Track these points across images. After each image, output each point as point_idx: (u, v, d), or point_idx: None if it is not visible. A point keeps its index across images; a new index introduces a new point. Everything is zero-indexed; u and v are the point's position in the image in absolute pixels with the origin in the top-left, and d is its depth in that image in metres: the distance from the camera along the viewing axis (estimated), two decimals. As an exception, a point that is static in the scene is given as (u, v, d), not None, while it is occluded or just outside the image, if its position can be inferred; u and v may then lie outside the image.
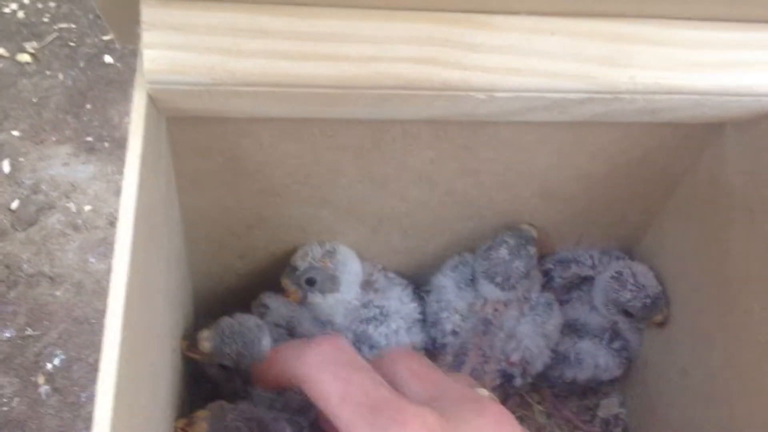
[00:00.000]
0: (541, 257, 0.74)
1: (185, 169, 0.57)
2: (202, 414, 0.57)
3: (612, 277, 0.69)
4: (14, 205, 0.98)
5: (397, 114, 0.50)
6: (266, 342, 0.63)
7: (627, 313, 0.70)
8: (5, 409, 0.80)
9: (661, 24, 0.49)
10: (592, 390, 0.77)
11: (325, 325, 0.69)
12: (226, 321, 0.62)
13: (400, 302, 0.71)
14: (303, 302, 0.68)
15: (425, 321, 0.72)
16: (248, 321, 0.64)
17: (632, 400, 0.76)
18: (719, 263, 0.61)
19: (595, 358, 0.71)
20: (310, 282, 0.67)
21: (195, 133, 0.54)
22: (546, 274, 0.74)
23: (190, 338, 0.62)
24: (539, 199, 0.66)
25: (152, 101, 0.46)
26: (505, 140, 0.58)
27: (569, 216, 0.69)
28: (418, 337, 0.70)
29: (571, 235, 0.72)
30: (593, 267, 0.74)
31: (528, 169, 0.62)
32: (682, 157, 0.62)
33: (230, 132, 0.54)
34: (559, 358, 0.71)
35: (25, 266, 0.92)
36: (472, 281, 0.70)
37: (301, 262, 0.67)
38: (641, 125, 0.57)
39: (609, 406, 0.77)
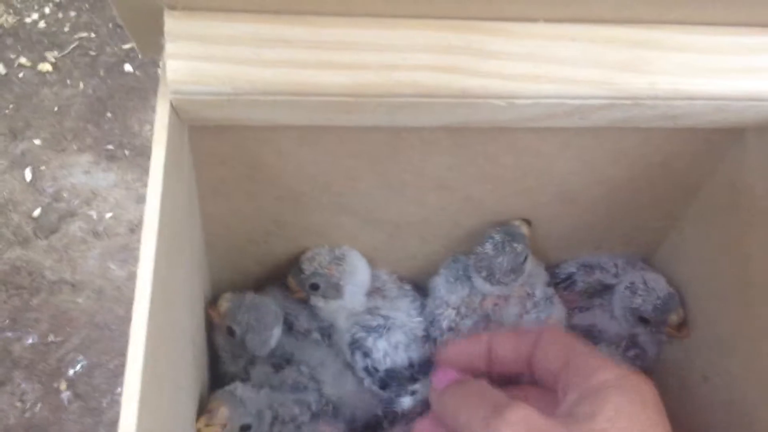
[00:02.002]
0: (564, 261, 0.74)
1: (206, 178, 0.58)
2: (216, 403, 0.59)
3: (626, 287, 0.70)
4: (36, 213, 0.99)
5: (416, 121, 0.50)
6: (276, 332, 0.65)
7: (645, 321, 0.69)
8: (28, 414, 0.81)
9: (681, 29, 0.49)
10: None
11: (323, 326, 0.70)
12: (250, 295, 0.65)
13: (406, 315, 0.71)
14: (307, 301, 0.69)
15: (427, 334, 0.72)
16: (269, 305, 0.66)
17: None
18: (739, 269, 0.60)
19: None
20: (314, 287, 0.68)
21: (216, 142, 0.54)
22: (569, 277, 0.74)
23: (213, 298, 0.65)
24: (558, 204, 0.65)
25: (175, 111, 0.46)
26: (524, 146, 0.58)
27: (588, 221, 0.68)
28: (415, 354, 0.70)
29: (590, 241, 0.72)
30: (616, 275, 0.73)
31: (547, 174, 0.62)
32: (702, 162, 0.62)
33: (250, 140, 0.55)
34: None
35: (47, 273, 0.93)
36: (465, 277, 0.70)
37: (307, 266, 0.67)
38: (661, 130, 0.57)
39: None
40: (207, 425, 0.59)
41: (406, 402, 0.71)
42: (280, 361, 0.67)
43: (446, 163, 0.59)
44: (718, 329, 0.64)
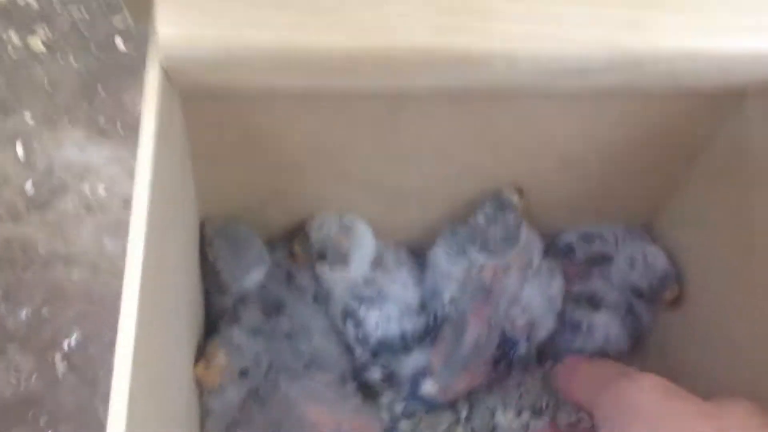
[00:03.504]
0: (563, 230, 0.74)
1: (200, 146, 0.57)
2: (214, 348, 0.59)
3: (625, 260, 0.70)
4: (28, 187, 0.98)
5: (415, 85, 0.49)
6: (256, 274, 0.65)
7: (640, 294, 0.70)
8: (22, 387, 0.81)
9: (685, -13, 0.48)
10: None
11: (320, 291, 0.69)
12: (237, 225, 0.64)
13: (402, 286, 0.70)
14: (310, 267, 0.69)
15: (423, 303, 0.71)
16: (254, 242, 0.65)
17: (651, 371, 0.75)
18: (742, 232, 0.60)
19: (607, 330, 0.71)
20: (321, 256, 0.67)
21: (210, 109, 0.53)
22: (568, 247, 0.74)
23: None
24: (558, 170, 0.65)
25: (166, 76, 0.45)
26: (524, 112, 0.57)
27: (588, 187, 0.68)
28: (408, 325, 0.69)
29: (590, 208, 0.71)
30: (615, 246, 0.73)
31: (547, 140, 0.61)
32: (703, 125, 0.61)
33: (245, 107, 0.54)
34: (569, 326, 0.71)
35: (40, 248, 0.92)
36: (464, 248, 0.70)
37: (315, 233, 0.66)
38: (663, 94, 0.56)
39: (629, 380, 0.76)
40: (206, 371, 0.58)
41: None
42: (271, 308, 0.66)
43: (446, 130, 0.58)
44: (721, 296, 0.63)
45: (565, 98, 0.56)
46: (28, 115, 1.04)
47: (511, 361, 0.70)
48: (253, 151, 0.58)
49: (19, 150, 1.00)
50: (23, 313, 0.87)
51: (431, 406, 0.71)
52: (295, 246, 0.68)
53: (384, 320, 0.69)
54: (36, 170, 0.99)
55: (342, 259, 0.67)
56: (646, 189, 0.69)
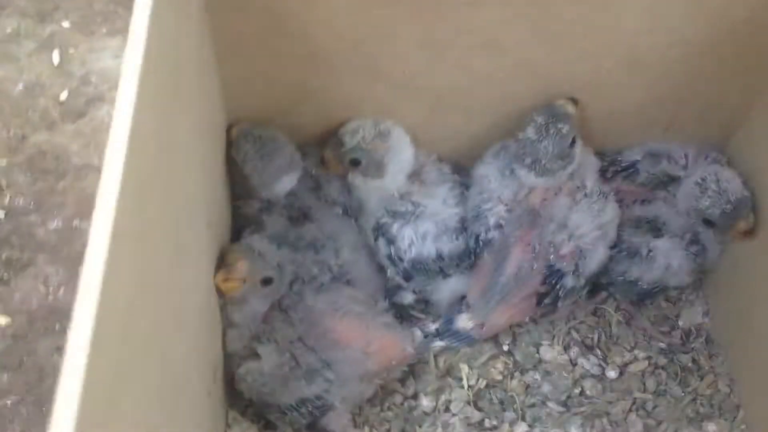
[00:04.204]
0: (628, 146, 0.66)
1: (223, 31, 0.52)
2: (234, 256, 0.55)
3: (696, 183, 0.62)
4: (63, 96, 0.94)
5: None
6: (288, 179, 0.61)
7: (709, 223, 0.62)
8: (51, 298, 0.78)
9: None
10: (673, 298, 0.70)
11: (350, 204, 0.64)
12: (266, 128, 0.60)
13: (442, 203, 0.64)
14: (343, 177, 0.63)
15: (464, 224, 0.65)
16: (285, 146, 0.61)
17: (718, 309, 0.68)
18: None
19: (668, 259, 0.64)
20: (355, 163, 0.62)
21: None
22: (632, 166, 0.66)
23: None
24: (624, 71, 0.57)
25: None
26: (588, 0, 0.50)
27: (659, 95, 0.60)
28: (446, 246, 0.64)
29: (660, 120, 0.63)
30: (685, 167, 0.65)
31: (613, 33, 0.53)
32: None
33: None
34: (627, 252, 0.64)
35: (73, 158, 0.89)
36: (512, 168, 0.63)
37: (349, 139, 0.61)
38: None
39: (692, 316, 0.69)
40: (226, 280, 0.55)
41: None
42: (298, 214, 0.62)
43: (496, 16, 0.51)
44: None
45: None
46: (65, 22, 1.00)
47: (558, 296, 0.64)
48: (281, 38, 0.52)
49: (56, 57, 0.97)
50: (54, 224, 0.84)
51: (466, 342, 0.66)
52: (327, 151, 0.62)
53: (419, 239, 0.63)
54: (72, 78, 0.96)
55: (377, 167, 0.62)
56: (724, 99, 0.61)
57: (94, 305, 0.27)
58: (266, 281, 0.57)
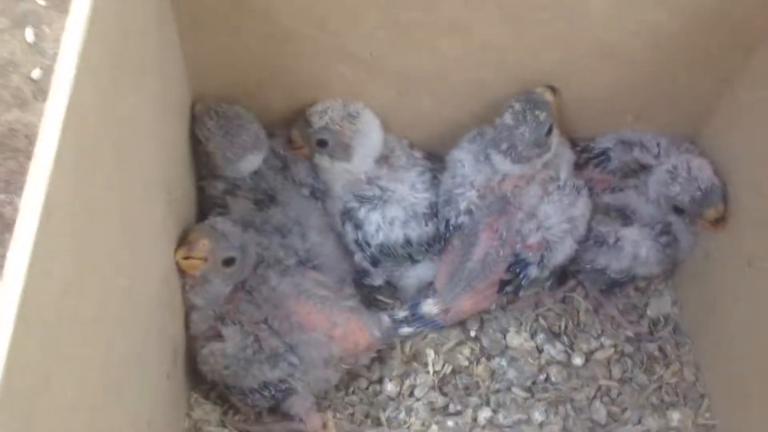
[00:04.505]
0: (600, 134, 0.66)
1: (185, 6, 0.51)
2: (196, 234, 0.55)
3: (667, 171, 0.62)
4: (36, 74, 0.93)
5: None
6: (254, 158, 0.60)
7: (679, 210, 0.62)
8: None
9: None
10: (642, 288, 0.70)
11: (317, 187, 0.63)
12: (230, 104, 0.59)
13: (410, 188, 0.64)
14: (310, 158, 0.62)
15: (434, 210, 0.65)
16: (251, 123, 0.59)
17: (687, 298, 0.68)
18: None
19: (636, 248, 0.63)
20: (322, 144, 0.61)
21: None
22: (603, 153, 0.66)
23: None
24: (594, 58, 0.57)
25: None
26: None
27: (629, 82, 0.59)
28: (414, 231, 0.63)
29: (632, 108, 0.63)
30: (657, 156, 0.65)
31: (581, 18, 0.53)
32: (764, 7, 0.52)
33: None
34: (595, 240, 0.64)
35: (45, 136, 0.88)
36: (488, 154, 0.62)
37: (317, 119, 0.60)
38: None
39: (660, 305, 0.69)
40: (186, 258, 0.54)
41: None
42: (264, 197, 0.61)
43: (463, -1, 0.51)
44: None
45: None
46: (40, 0, 0.99)
47: (520, 285, 0.63)
48: (243, 16, 0.52)
49: (29, 35, 0.96)
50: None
51: (432, 328, 0.65)
52: (294, 131, 0.62)
53: (387, 224, 0.63)
54: (46, 57, 0.94)
55: (344, 149, 0.61)
56: (695, 87, 0.60)
57: (20, 285, 0.27)
58: (228, 261, 0.56)
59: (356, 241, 0.63)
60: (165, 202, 0.50)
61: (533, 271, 0.62)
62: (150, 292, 0.47)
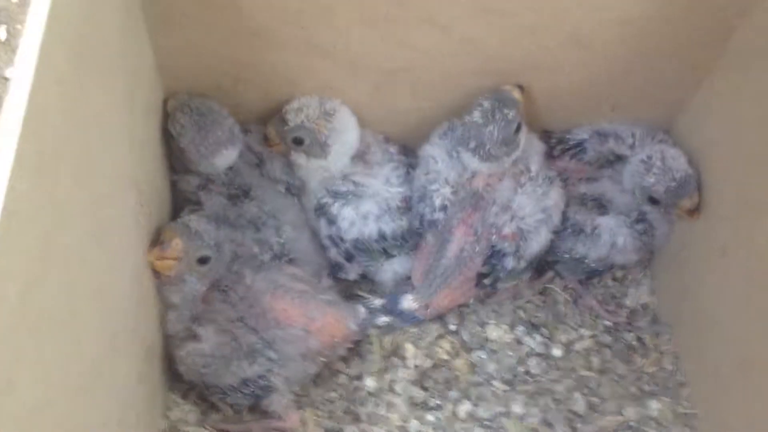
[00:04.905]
0: (577, 125, 0.66)
1: (153, 4, 0.50)
2: (169, 234, 0.54)
3: (641, 161, 0.62)
4: (9, 73, 0.92)
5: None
6: (228, 154, 0.59)
7: (654, 201, 0.62)
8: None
9: None
10: (620, 277, 0.70)
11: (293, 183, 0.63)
12: (203, 99, 0.58)
13: (385, 183, 0.63)
14: (286, 156, 0.62)
15: (409, 204, 0.64)
16: (225, 120, 0.59)
17: (664, 287, 0.68)
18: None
19: (613, 236, 0.63)
20: (297, 142, 0.60)
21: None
22: (579, 145, 0.66)
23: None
24: (569, 50, 0.56)
25: None
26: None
27: (605, 73, 0.59)
28: (388, 226, 0.63)
29: (607, 98, 0.63)
30: (632, 147, 0.65)
31: (555, 10, 0.53)
32: (740, -4, 0.52)
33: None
34: (573, 229, 0.64)
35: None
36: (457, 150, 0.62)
37: (293, 117, 0.59)
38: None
39: (638, 295, 0.69)
40: (160, 258, 0.54)
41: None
42: (238, 192, 0.60)
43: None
44: (745, 194, 0.56)
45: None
46: (12, -3, 0.97)
47: (498, 277, 0.63)
48: (213, 11, 0.51)
49: (1, 33, 0.94)
50: None
51: (411, 323, 0.65)
52: (270, 128, 0.61)
53: (360, 219, 0.62)
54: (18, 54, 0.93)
55: (320, 147, 0.61)
56: (670, 77, 0.60)
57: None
58: (203, 260, 0.55)
59: (330, 237, 0.63)
60: (136, 200, 0.50)
61: (509, 262, 0.62)
62: (121, 291, 0.46)
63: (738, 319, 0.56)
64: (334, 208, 0.62)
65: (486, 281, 0.63)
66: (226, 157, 0.59)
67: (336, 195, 0.62)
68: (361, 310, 0.62)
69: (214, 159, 0.59)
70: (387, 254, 0.63)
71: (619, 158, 0.66)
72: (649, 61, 0.58)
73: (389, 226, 0.63)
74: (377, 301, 0.64)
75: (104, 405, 0.43)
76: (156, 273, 0.55)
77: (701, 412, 0.63)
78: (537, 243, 0.62)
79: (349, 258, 0.63)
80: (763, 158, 0.53)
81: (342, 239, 0.62)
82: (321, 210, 0.62)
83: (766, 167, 0.53)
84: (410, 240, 0.64)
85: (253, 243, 0.59)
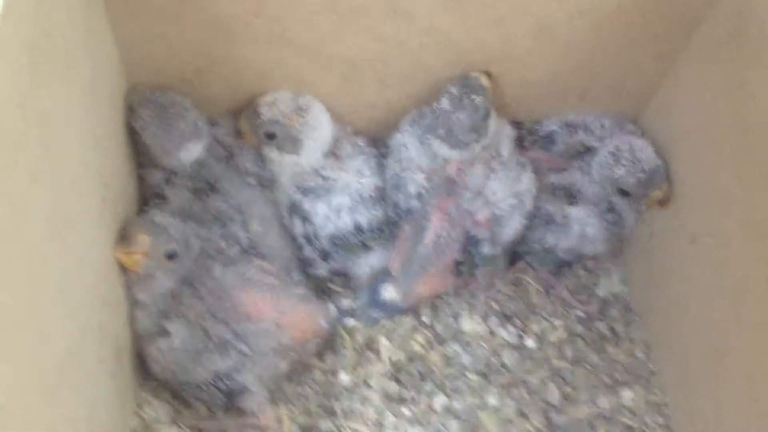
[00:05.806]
0: (546, 117, 0.66)
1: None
2: (134, 229, 0.53)
3: (610, 153, 0.62)
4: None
5: None
6: (193, 148, 0.58)
7: (624, 193, 0.63)
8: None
9: None
10: (591, 267, 0.70)
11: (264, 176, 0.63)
12: (166, 93, 0.57)
13: (356, 175, 0.63)
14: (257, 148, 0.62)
15: (382, 194, 0.64)
16: (189, 113, 0.58)
17: (634, 277, 0.69)
18: (741, 111, 0.52)
19: (583, 226, 0.64)
20: (270, 136, 0.60)
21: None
22: (549, 136, 0.66)
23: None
24: (536, 40, 0.56)
25: None
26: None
27: (571, 63, 0.59)
28: (363, 217, 0.63)
29: (574, 89, 0.63)
30: (601, 138, 0.65)
31: (522, 1, 0.53)
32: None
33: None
34: (542, 219, 0.64)
35: None
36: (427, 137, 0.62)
37: (266, 111, 0.59)
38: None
39: (609, 284, 0.70)
40: (126, 254, 0.53)
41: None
42: (203, 186, 0.60)
43: (402, -19, 0.50)
44: (713, 182, 0.56)
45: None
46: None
47: (474, 263, 0.63)
48: (177, 1, 0.50)
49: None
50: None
51: (394, 313, 0.65)
52: (243, 122, 0.60)
53: (334, 212, 0.62)
54: None
55: (293, 142, 0.60)
56: (638, 66, 0.61)
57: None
58: (171, 255, 0.55)
59: (305, 236, 0.62)
60: (100, 194, 0.49)
61: (485, 248, 0.62)
62: (86, 288, 0.46)
63: (707, 307, 0.57)
64: (306, 205, 0.61)
65: (463, 268, 0.62)
66: (191, 150, 0.58)
67: (306, 191, 0.62)
68: (332, 308, 0.62)
69: (179, 153, 0.58)
70: (365, 247, 0.63)
71: (589, 150, 0.66)
72: (615, 51, 0.59)
73: (364, 217, 0.62)
74: (345, 302, 0.64)
75: (73, 404, 0.42)
76: (124, 269, 0.54)
77: (672, 400, 0.63)
78: (511, 228, 0.63)
79: (325, 257, 0.63)
80: (731, 147, 0.54)
81: (317, 237, 0.62)
82: (293, 208, 0.62)
83: (733, 155, 0.53)
84: (387, 230, 0.63)
85: (219, 238, 0.58)
